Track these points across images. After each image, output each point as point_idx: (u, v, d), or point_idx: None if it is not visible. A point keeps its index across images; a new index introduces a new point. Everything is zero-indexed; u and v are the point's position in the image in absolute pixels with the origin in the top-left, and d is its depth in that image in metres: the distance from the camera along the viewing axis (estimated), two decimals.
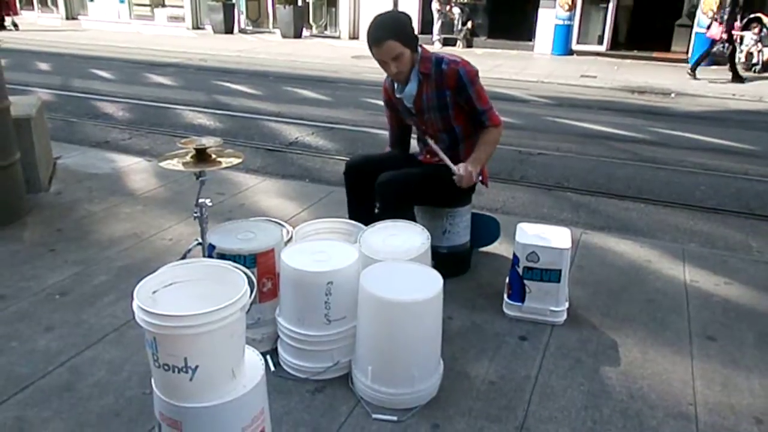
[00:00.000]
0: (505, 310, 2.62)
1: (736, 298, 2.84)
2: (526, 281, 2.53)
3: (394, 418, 1.98)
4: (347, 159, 3.07)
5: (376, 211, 2.74)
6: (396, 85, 2.79)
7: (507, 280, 2.63)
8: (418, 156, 2.99)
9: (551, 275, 2.50)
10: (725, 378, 2.24)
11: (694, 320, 2.63)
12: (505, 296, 2.63)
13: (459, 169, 2.60)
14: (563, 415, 2.03)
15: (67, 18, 19.35)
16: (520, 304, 2.57)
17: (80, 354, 2.27)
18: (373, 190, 2.73)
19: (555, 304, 2.54)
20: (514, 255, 2.56)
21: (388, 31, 2.54)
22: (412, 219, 2.65)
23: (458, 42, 13.82)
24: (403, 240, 2.34)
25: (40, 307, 2.58)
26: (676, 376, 2.25)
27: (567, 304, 2.58)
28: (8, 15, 16.99)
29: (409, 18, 2.65)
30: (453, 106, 2.72)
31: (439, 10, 13.88)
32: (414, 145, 3.08)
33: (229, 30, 16.29)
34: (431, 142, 2.76)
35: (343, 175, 2.93)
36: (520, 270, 2.53)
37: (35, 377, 2.12)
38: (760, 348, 2.43)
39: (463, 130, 2.79)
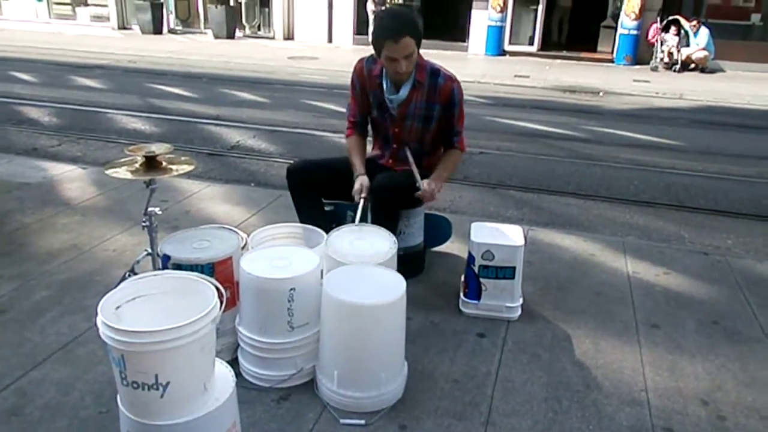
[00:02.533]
0: (462, 308, 2.66)
1: (675, 287, 3.00)
2: (482, 279, 2.58)
3: (362, 422, 1.98)
4: (292, 162, 3.02)
5: (350, 215, 2.72)
6: (386, 84, 2.71)
7: (462, 278, 2.67)
8: (379, 160, 2.92)
9: (506, 272, 2.56)
10: (672, 363, 2.37)
11: (639, 310, 2.77)
12: (462, 295, 2.67)
13: (424, 184, 2.62)
14: (525, 408, 2.10)
15: None
16: (476, 302, 2.62)
17: (26, 375, 2.14)
18: (319, 194, 2.71)
19: (510, 300, 2.61)
20: (470, 254, 2.59)
21: (408, 27, 2.48)
22: (396, 223, 2.69)
23: None
24: (370, 243, 2.34)
25: None
26: (626, 364, 2.36)
27: (521, 300, 2.65)
28: None
29: (418, 14, 2.63)
30: (437, 120, 2.72)
31: (374, 11, 13.92)
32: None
33: (157, 30, 15.73)
34: (408, 152, 2.76)
35: (285, 180, 2.87)
36: (476, 268, 2.57)
37: None
38: (701, 333, 2.59)
39: (431, 143, 2.82)
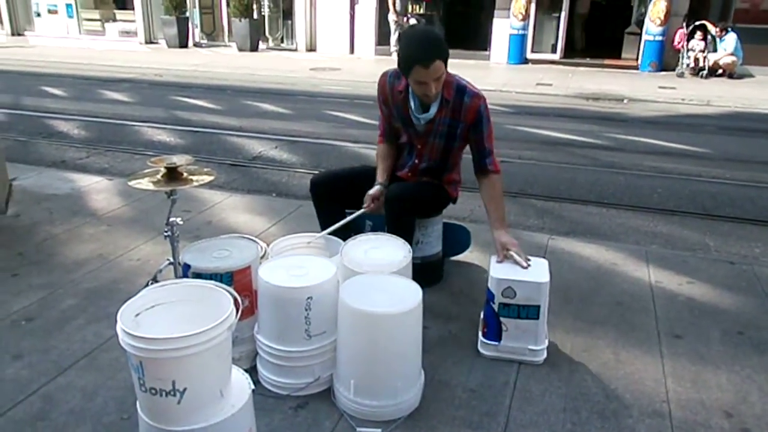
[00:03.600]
0: (481, 349, 2.43)
1: (699, 296, 2.95)
2: (502, 318, 2.34)
3: (379, 430, 1.99)
4: (313, 172, 3.06)
5: (369, 225, 2.75)
6: (413, 103, 2.65)
7: (481, 316, 2.46)
8: (398, 171, 2.89)
9: (529, 311, 2.31)
10: (695, 374, 2.33)
11: (662, 320, 2.73)
12: (480, 335, 2.45)
13: (507, 249, 2.46)
14: (543, 419, 2.08)
15: (13, 34, 18.70)
16: (496, 343, 2.38)
17: (52, 381, 2.20)
18: (343, 205, 2.73)
19: (534, 343, 2.35)
20: (488, 290, 2.36)
21: (438, 50, 2.43)
22: (412, 232, 2.70)
23: (394, 53, 13.89)
24: (385, 253, 2.35)
25: (6, 334, 2.49)
26: (648, 375, 2.33)
27: (546, 342, 2.41)
28: None
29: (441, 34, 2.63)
30: (461, 139, 2.69)
31: (396, 21, 14.00)
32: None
33: (183, 44, 16.04)
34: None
35: (309, 193, 2.90)
36: (495, 306, 2.34)
37: (6, 407, 2.05)
38: (725, 344, 2.54)
39: (453, 161, 2.81)
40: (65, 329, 2.54)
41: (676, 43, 11.88)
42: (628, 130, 7.47)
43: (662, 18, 12.07)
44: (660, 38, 12.22)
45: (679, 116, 8.52)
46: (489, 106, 2.66)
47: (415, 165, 2.84)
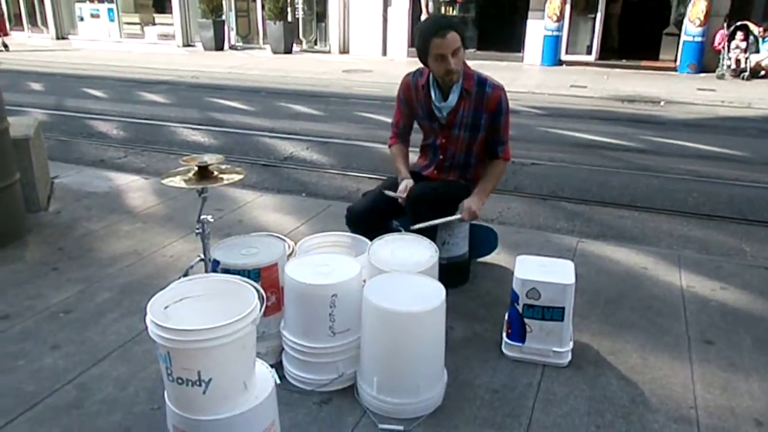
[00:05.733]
0: (505, 350, 2.43)
1: (732, 302, 2.88)
2: (526, 320, 2.34)
3: (401, 428, 2.00)
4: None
5: (396, 224, 2.78)
6: (434, 93, 2.74)
7: (506, 317, 2.46)
8: (423, 171, 2.95)
9: (554, 313, 2.30)
10: (725, 381, 2.28)
11: (692, 325, 2.68)
12: (504, 336, 2.45)
13: (463, 206, 2.68)
14: (567, 422, 2.07)
15: (58, 38, 19.35)
16: (520, 344, 2.38)
17: (87, 371, 2.28)
18: (381, 231, 2.64)
19: (558, 345, 2.34)
20: (513, 291, 2.36)
21: (452, 23, 2.56)
22: (435, 232, 2.72)
23: None
24: (411, 252, 2.37)
25: (45, 325, 2.59)
26: (676, 380, 2.29)
27: (571, 344, 2.40)
28: None
29: None
30: (484, 130, 2.75)
31: None
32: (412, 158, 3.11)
33: (219, 47, 16.35)
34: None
35: (346, 225, 2.88)
36: (519, 308, 2.34)
37: (43, 395, 2.14)
38: (758, 351, 2.48)
39: (478, 154, 2.85)
40: (101, 322, 2.63)
41: (716, 43, 11.58)
42: (664, 132, 7.32)
43: (702, 18, 11.79)
44: (699, 39, 11.93)
45: (718, 119, 8.31)
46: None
47: (440, 162, 2.89)
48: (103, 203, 4.12)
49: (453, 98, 2.71)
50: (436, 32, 2.51)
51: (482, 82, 2.70)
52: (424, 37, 2.56)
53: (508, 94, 2.80)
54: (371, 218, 2.81)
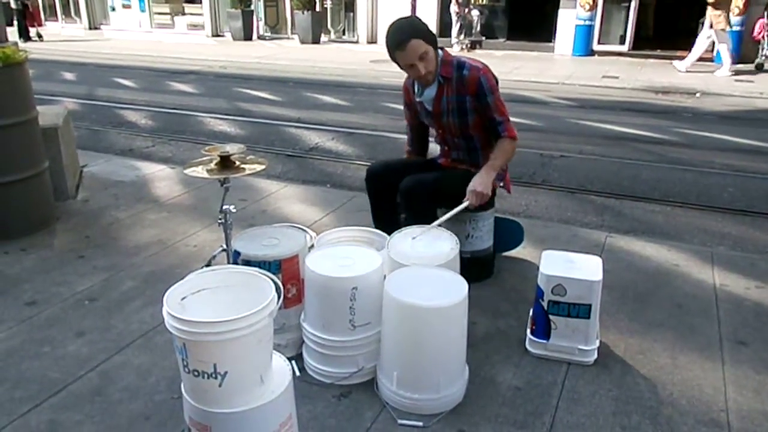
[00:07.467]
0: (529, 347, 2.38)
1: (767, 301, 2.78)
2: (551, 316, 2.28)
3: (420, 424, 1.98)
4: (368, 164, 3.09)
5: (402, 217, 2.74)
6: (416, 88, 2.80)
7: (531, 313, 2.41)
8: (438, 159, 3.00)
9: (580, 310, 2.24)
10: (758, 384, 2.20)
11: (725, 325, 2.58)
12: (528, 332, 2.39)
13: (469, 198, 2.60)
14: (591, 422, 2.01)
15: (90, 28, 19.69)
16: (545, 341, 2.32)
17: (110, 359, 2.30)
18: (396, 196, 2.74)
19: (584, 342, 2.28)
20: (538, 287, 2.30)
21: (409, 32, 2.56)
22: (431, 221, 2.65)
23: (455, 45, 13.65)
24: (431, 246, 2.33)
25: (70, 312, 2.62)
26: (706, 381, 2.21)
27: (598, 342, 2.34)
28: (33, 26, 17.34)
29: (421, 20, 2.68)
30: (473, 112, 2.72)
31: (457, 13, 13.83)
32: (432, 148, 3.09)
33: (248, 37, 16.43)
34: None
35: (364, 182, 2.94)
36: (544, 304, 2.28)
37: (67, 381, 2.16)
38: None
39: (480, 139, 2.81)
40: (124, 310, 2.65)
41: (755, 33, 11.18)
42: (699, 125, 7.11)
43: (741, 7, 11.40)
44: (738, 28, 11.53)
45: (756, 111, 8.03)
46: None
47: (446, 151, 2.95)
48: (130, 192, 4.16)
49: (432, 88, 2.73)
50: (396, 46, 2.55)
51: (461, 65, 2.69)
52: (388, 51, 2.61)
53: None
54: (387, 173, 2.88)
